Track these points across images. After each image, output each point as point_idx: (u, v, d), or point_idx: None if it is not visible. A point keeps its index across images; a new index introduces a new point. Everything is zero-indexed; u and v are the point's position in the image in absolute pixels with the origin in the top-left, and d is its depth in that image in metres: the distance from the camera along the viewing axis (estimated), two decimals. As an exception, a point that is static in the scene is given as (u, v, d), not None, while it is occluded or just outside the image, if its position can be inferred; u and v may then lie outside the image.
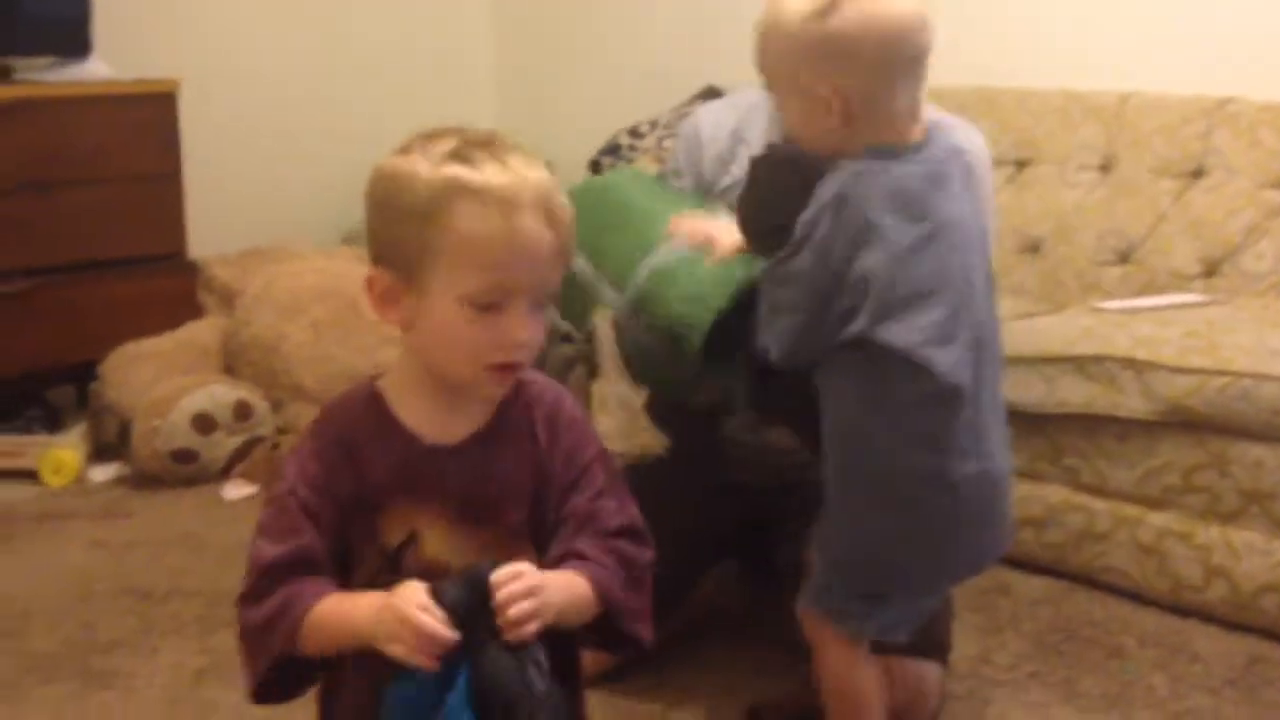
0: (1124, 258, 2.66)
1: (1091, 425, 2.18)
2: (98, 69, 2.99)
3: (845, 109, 1.39)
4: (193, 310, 3.09)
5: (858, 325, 1.38)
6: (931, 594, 1.60)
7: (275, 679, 1.14)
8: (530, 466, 1.19)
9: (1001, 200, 2.84)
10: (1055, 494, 2.25)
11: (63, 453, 2.73)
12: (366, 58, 3.69)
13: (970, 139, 1.96)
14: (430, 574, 1.12)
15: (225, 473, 2.73)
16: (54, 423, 2.89)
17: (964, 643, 2.01)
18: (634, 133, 3.41)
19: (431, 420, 1.17)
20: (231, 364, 2.96)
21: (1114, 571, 2.20)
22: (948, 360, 1.40)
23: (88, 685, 1.91)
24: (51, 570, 2.30)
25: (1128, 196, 2.69)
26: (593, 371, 3.28)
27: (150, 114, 2.99)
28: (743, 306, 1.58)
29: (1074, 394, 2.19)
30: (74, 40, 2.96)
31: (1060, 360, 2.20)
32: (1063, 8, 2.98)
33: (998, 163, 2.88)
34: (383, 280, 1.13)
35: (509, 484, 1.18)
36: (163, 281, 3.05)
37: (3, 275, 2.77)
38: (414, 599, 1.05)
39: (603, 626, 1.18)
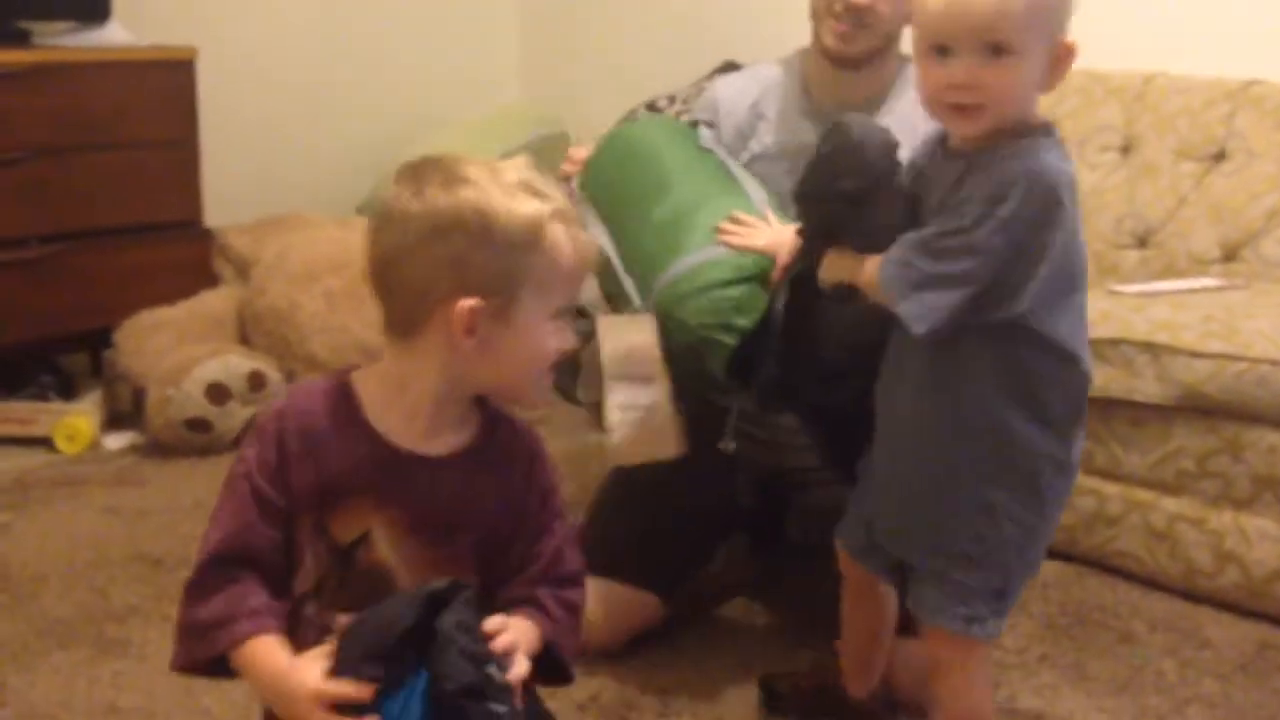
0: (1143, 241, 2.63)
1: (1106, 409, 2.17)
2: (116, 34, 2.98)
3: (1066, 66, 1.35)
4: (208, 279, 3.09)
5: (1021, 304, 1.34)
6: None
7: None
8: (500, 498, 1.23)
9: (1020, 181, 2.82)
10: (1068, 477, 2.24)
11: (77, 420, 2.74)
12: (386, 29, 3.68)
13: None
14: (374, 576, 1.17)
15: (238, 442, 2.74)
16: (68, 390, 2.90)
17: (974, 625, 2.01)
18: (652, 106, 3.38)
19: (408, 428, 1.19)
20: (246, 333, 2.97)
21: (1125, 556, 2.19)
22: (1086, 350, 1.40)
23: (101, 652, 1.92)
24: (65, 537, 2.31)
25: (1148, 179, 2.67)
26: (574, 373, 3.26)
27: (168, 81, 2.98)
28: (768, 322, 1.63)
29: (1090, 377, 2.18)
30: (93, 5, 2.95)
31: (1076, 343, 2.19)
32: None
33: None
34: (476, 309, 1.15)
35: (474, 509, 1.21)
36: (178, 249, 3.05)
37: (18, 241, 2.77)
38: (308, 692, 1.10)
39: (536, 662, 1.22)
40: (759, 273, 1.73)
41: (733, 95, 2.10)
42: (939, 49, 1.34)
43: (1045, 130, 1.37)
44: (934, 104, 1.37)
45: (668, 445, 1.76)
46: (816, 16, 2.02)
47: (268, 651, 1.15)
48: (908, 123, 1.64)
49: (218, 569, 1.17)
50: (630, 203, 1.90)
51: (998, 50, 1.31)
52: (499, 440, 1.24)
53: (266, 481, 1.16)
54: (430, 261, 1.15)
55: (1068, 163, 1.36)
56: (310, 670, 1.11)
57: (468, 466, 1.21)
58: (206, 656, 1.17)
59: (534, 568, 1.24)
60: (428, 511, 1.19)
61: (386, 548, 1.18)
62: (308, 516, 1.18)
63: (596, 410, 3.02)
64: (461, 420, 1.22)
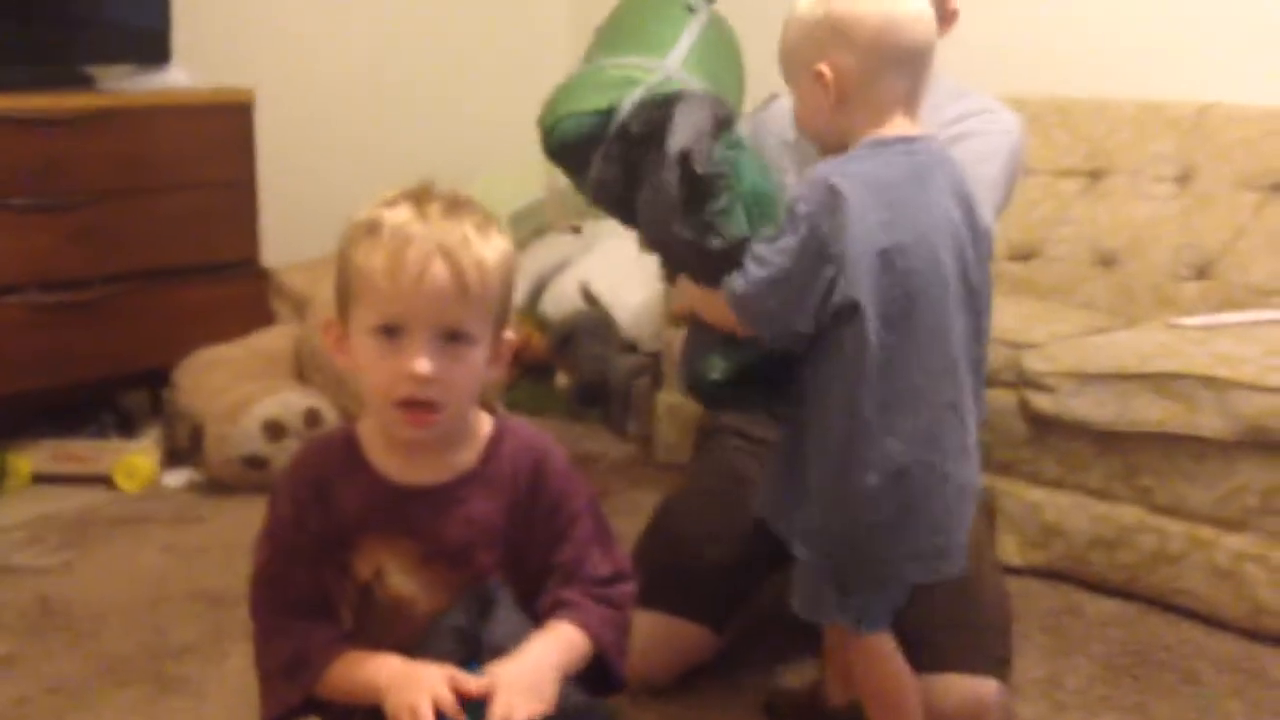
0: (1201, 272, 2.60)
1: (1167, 444, 2.14)
2: (177, 77, 3.04)
3: (839, 88, 1.47)
4: (265, 317, 3.14)
5: (837, 297, 1.42)
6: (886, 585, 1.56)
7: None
8: (505, 512, 1.25)
9: (1075, 212, 2.80)
10: (1128, 514, 2.21)
11: (136, 458, 2.78)
12: (439, 67, 3.72)
13: (1000, 119, 1.94)
14: (398, 609, 1.23)
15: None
16: (128, 428, 2.94)
17: (1033, 665, 1.98)
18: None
19: (405, 462, 1.24)
20: (302, 371, 3.00)
21: (1188, 594, 2.15)
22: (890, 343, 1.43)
23: (161, 690, 1.94)
24: (125, 574, 2.34)
25: (1206, 209, 2.64)
26: (658, 381, 3.28)
27: (227, 123, 3.03)
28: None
29: (1149, 412, 2.15)
30: (154, 49, 3.02)
31: (1135, 377, 2.16)
32: (1139, 18, 2.94)
33: (1071, 173, 2.84)
34: (335, 327, 1.22)
35: (479, 527, 1.24)
36: (236, 288, 3.10)
37: (82, 283, 2.82)
38: (440, 674, 1.15)
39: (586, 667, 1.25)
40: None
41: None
42: None
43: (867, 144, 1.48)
44: None
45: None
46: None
47: (367, 656, 1.20)
48: None
49: (273, 621, 1.24)
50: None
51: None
52: (501, 456, 1.26)
53: (289, 533, 1.24)
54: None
55: (883, 168, 1.46)
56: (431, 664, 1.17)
57: (470, 489, 1.24)
58: (298, 699, 1.22)
59: (558, 574, 1.26)
60: (436, 539, 1.23)
61: (402, 579, 1.23)
62: (332, 559, 1.24)
63: (647, 445, 3.04)
64: (461, 443, 1.25)
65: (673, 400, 2.93)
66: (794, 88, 1.55)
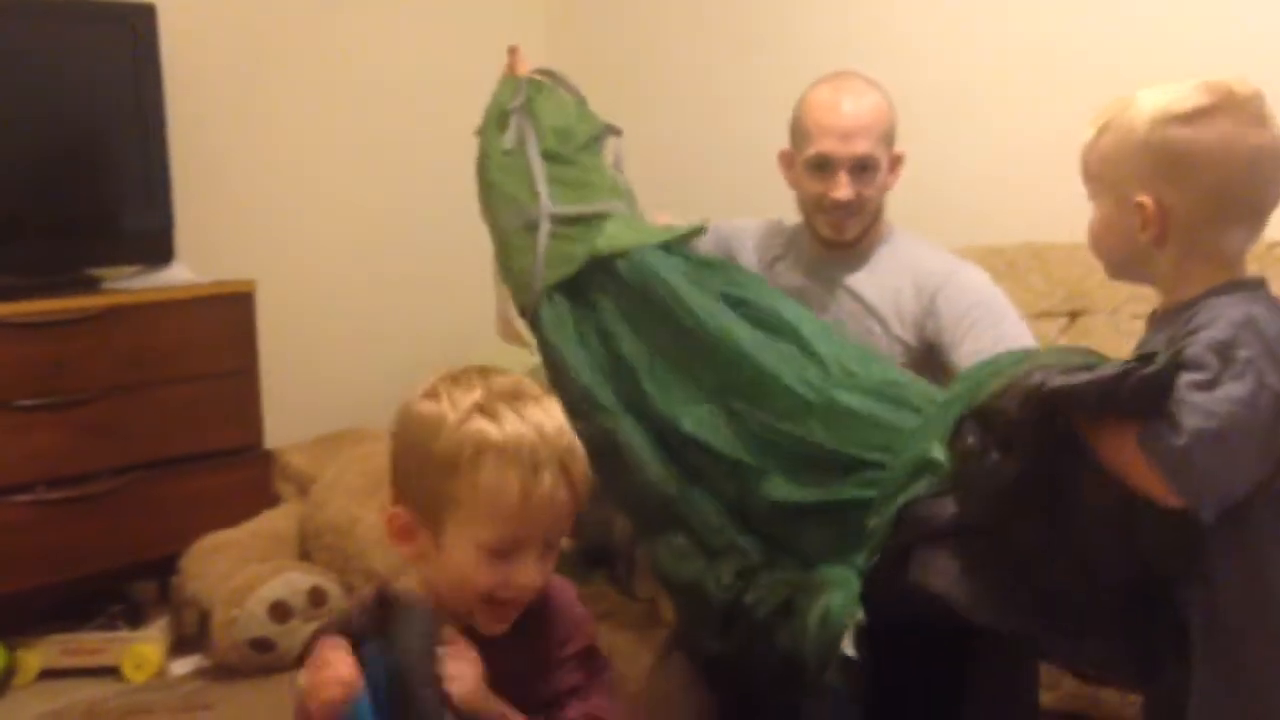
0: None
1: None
2: (179, 274, 3.15)
3: (1161, 227, 1.30)
4: (270, 499, 3.18)
5: None
6: None
7: None
8: (532, 659, 1.26)
9: (1056, 352, 2.85)
10: None
11: (144, 648, 2.79)
12: (431, 255, 3.81)
13: (976, 278, 2.06)
14: None
15: (300, 660, 2.76)
16: (136, 618, 2.95)
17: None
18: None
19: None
20: (307, 549, 3.02)
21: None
22: None
23: None
24: (131, 767, 2.33)
25: (1184, 342, 2.67)
26: (629, 569, 3.26)
27: (229, 313, 3.13)
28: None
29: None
30: (158, 249, 3.14)
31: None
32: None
33: (1050, 314, 2.90)
34: (403, 518, 1.22)
35: (525, 678, 1.24)
36: (241, 473, 3.15)
37: (89, 477, 2.88)
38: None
39: None
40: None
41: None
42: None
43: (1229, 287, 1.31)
44: None
45: None
46: (807, 211, 2.18)
47: None
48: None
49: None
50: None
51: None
52: (550, 621, 1.28)
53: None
54: (393, 468, 1.24)
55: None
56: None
57: (516, 640, 1.25)
58: None
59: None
60: (492, 684, 1.22)
61: None
62: None
63: (655, 606, 3.03)
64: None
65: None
66: (1095, 199, 1.38)
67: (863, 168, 2.16)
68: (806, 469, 1.69)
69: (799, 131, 2.22)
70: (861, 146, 2.13)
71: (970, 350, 2.04)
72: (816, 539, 1.68)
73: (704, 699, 1.92)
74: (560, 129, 2.18)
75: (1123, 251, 1.38)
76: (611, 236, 2.00)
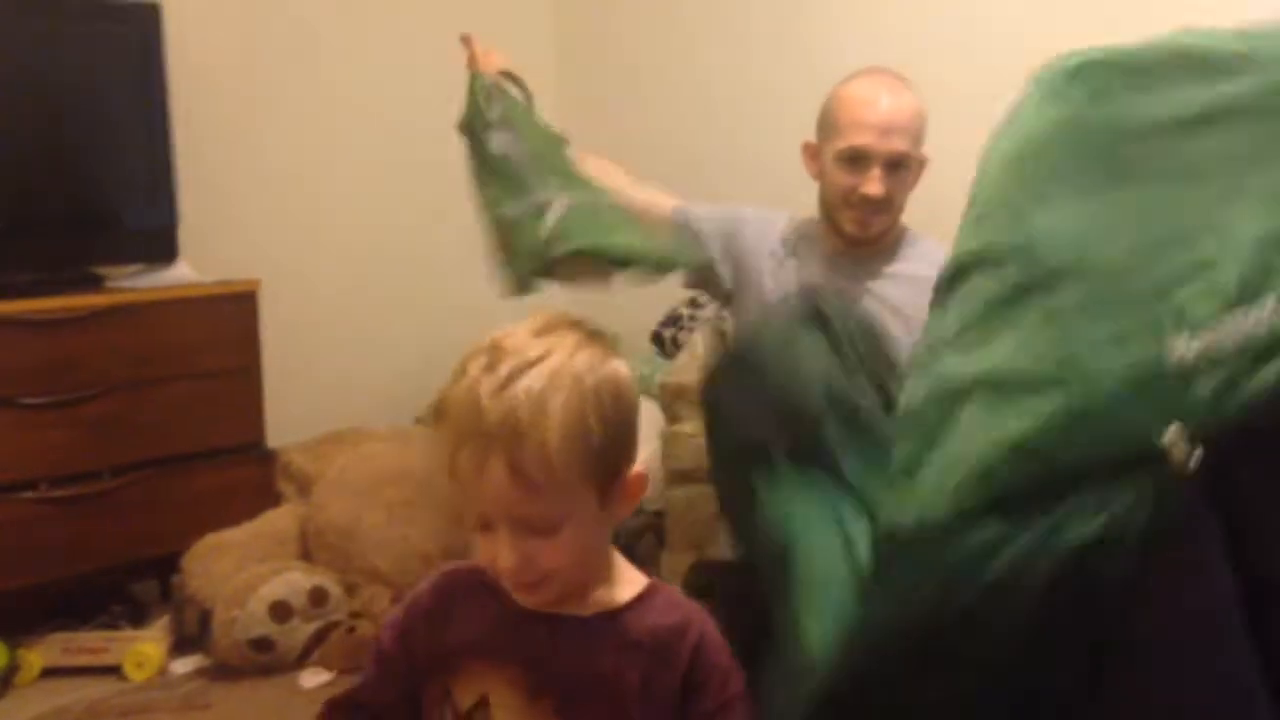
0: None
1: None
2: (183, 273, 3.15)
3: None
4: (271, 498, 3.18)
5: None
6: None
7: None
8: (639, 672, 1.12)
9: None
10: None
11: (145, 647, 2.79)
12: (435, 255, 3.82)
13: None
14: None
15: (301, 660, 2.77)
16: (138, 617, 2.96)
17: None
18: (693, 303, 3.48)
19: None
20: (309, 549, 3.02)
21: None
22: None
23: None
24: (131, 766, 2.33)
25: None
26: (661, 540, 3.30)
27: (232, 312, 3.13)
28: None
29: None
30: (162, 248, 3.14)
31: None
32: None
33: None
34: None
35: (600, 678, 1.12)
36: (242, 472, 3.15)
37: (92, 475, 2.88)
38: None
39: None
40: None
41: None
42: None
43: None
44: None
45: None
46: (832, 205, 2.16)
47: None
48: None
49: (342, 713, 1.21)
50: None
51: None
52: (648, 612, 1.15)
53: (392, 640, 1.19)
54: None
55: None
56: None
57: (600, 630, 1.13)
58: None
59: None
60: (547, 668, 1.12)
61: (505, 715, 1.12)
62: (435, 681, 1.16)
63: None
64: (596, 584, 1.15)
65: (677, 560, 2.94)
66: None
67: (896, 165, 2.15)
68: None
69: (832, 124, 2.20)
70: (898, 144, 2.13)
71: None
72: None
73: None
74: (540, 132, 2.22)
75: None
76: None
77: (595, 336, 1.12)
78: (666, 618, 1.14)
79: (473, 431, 1.04)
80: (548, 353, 1.07)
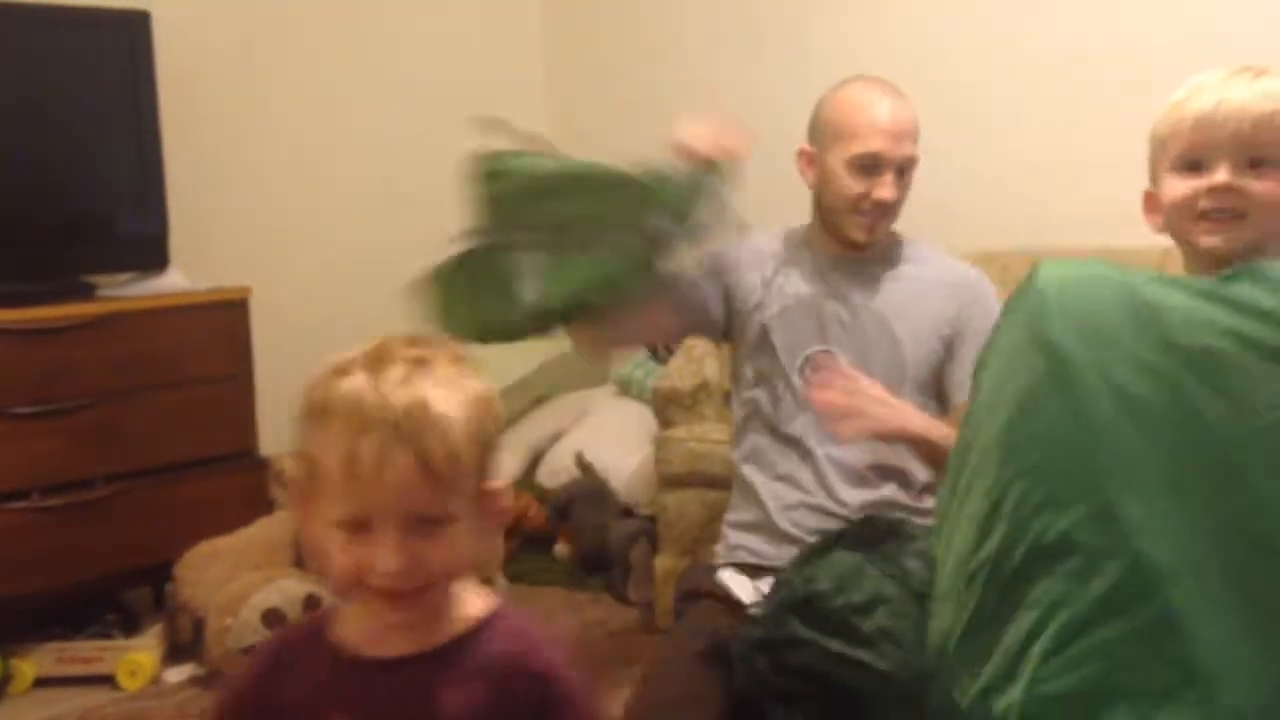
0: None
1: None
2: (174, 281, 3.15)
3: None
4: (264, 506, 3.17)
5: None
6: None
7: None
8: (483, 708, 1.11)
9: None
10: None
11: (139, 655, 2.79)
12: (427, 260, 3.83)
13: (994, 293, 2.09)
14: None
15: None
16: (131, 626, 2.96)
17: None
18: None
19: (371, 633, 1.13)
20: (302, 556, 3.02)
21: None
22: None
23: None
24: (124, 776, 2.33)
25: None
26: (655, 545, 3.30)
27: (223, 320, 3.13)
28: None
29: None
30: (153, 256, 3.14)
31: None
32: (1104, 166, 3.04)
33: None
34: (295, 487, 1.13)
35: (447, 714, 1.11)
36: (236, 479, 3.15)
37: (85, 483, 2.88)
38: None
39: None
40: None
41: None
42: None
43: None
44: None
45: None
46: (837, 212, 2.16)
47: None
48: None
49: None
50: None
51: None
52: (482, 643, 1.13)
53: (228, 702, 1.18)
54: None
55: None
56: None
57: (431, 666, 1.12)
58: None
59: None
60: (391, 717, 1.11)
61: None
62: None
63: (650, 610, 3.03)
64: (440, 614, 1.13)
65: (670, 564, 2.94)
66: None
67: (903, 169, 2.16)
68: None
69: (836, 131, 2.18)
70: (908, 148, 2.13)
71: (963, 370, 2.06)
72: None
73: (702, 706, 1.92)
74: None
75: None
76: None
77: (461, 354, 1.15)
78: (511, 645, 1.14)
79: (377, 422, 1.04)
80: (433, 358, 1.10)
